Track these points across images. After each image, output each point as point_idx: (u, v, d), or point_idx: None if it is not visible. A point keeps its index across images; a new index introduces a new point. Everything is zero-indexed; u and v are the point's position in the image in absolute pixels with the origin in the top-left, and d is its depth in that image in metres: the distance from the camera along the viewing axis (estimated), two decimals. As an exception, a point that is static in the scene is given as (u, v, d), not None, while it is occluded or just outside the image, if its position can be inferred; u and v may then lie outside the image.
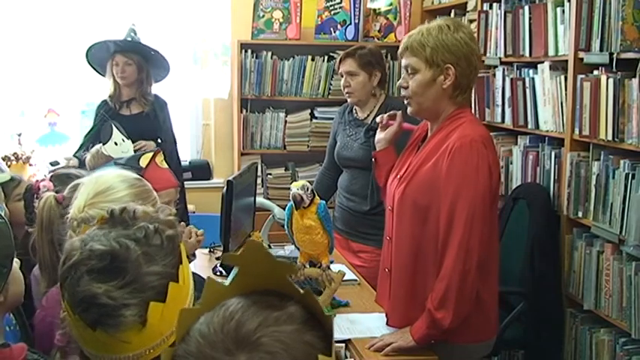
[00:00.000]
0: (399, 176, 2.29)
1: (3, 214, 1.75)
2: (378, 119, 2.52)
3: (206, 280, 0.84)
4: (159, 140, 4.08)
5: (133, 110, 4.10)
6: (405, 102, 2.27)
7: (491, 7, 3.83)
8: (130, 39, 4.04)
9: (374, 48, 3.41)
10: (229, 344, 0.77)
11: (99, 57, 4.06)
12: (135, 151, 3.26)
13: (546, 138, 3.36)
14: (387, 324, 2.33)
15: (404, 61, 2.23)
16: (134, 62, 4.01)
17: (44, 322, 1.71)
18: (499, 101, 3.71)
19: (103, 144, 3.13)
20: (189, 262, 1.30)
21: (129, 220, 1.14)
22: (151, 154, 2.39)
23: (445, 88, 2.17)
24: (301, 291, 0.81)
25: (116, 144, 3.16)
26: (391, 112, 2.51)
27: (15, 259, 1.55)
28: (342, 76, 3.29)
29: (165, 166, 2.45)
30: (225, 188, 2.65)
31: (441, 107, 2.21)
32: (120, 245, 1.09)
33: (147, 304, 1.07)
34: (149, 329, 1.08)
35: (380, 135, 2.49)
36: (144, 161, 2.98)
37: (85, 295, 1.06)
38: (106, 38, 4.07)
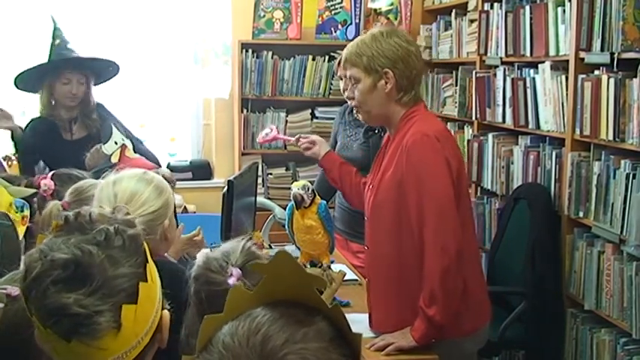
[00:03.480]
0: (371, 185, 2.32)
1: (10, 218, 1.75)
2: (302, 146, 2.69)
3: (231, 288, 0.82)
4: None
5: (76, 134, 3.39)
6: (355, 112, 2.43)
7: (492, 6, 3.83)
8: (75, 54, 3.42)
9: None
10: (254, 359, 0.75)
11: (34, 73, 3.39)
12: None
13: (547, 138, 3.36)
14: (370, 328, 2.34)
15: (347, 73, 2.31)
16: (86, 80, 3.36)
17: None
18: (500, 101, 3.70)
19: (103, 143, 3.12)
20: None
21: (86, 225, 1.09)
22: (118, 151, 2.38)
23: (388, 92, 2.23)
24: (329, 305, 0.79)
25: (116, 143, 3.14)
26: (298, 140, 2.71)
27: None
28: (342, 79, 3.28)
29: (136, 155, 2.43)
30: (225, 188, 2.64)
31: (390, 111, 2.27)
32: (82, 251, 1.04)
33: (119, 307, 1.04)
34: (124, 332, 1.05)
35: (309, 152, 2.67)
36: (114, 158, 2.99)
37: (55, 307, 1.02)
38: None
